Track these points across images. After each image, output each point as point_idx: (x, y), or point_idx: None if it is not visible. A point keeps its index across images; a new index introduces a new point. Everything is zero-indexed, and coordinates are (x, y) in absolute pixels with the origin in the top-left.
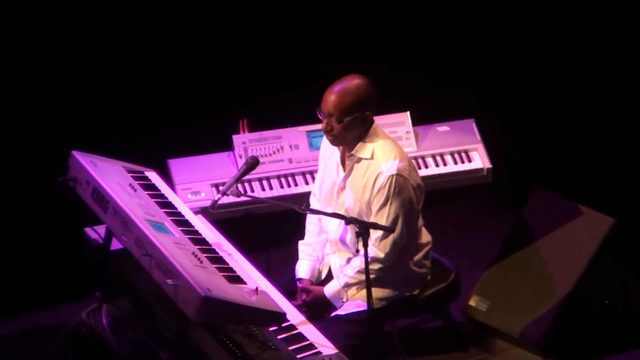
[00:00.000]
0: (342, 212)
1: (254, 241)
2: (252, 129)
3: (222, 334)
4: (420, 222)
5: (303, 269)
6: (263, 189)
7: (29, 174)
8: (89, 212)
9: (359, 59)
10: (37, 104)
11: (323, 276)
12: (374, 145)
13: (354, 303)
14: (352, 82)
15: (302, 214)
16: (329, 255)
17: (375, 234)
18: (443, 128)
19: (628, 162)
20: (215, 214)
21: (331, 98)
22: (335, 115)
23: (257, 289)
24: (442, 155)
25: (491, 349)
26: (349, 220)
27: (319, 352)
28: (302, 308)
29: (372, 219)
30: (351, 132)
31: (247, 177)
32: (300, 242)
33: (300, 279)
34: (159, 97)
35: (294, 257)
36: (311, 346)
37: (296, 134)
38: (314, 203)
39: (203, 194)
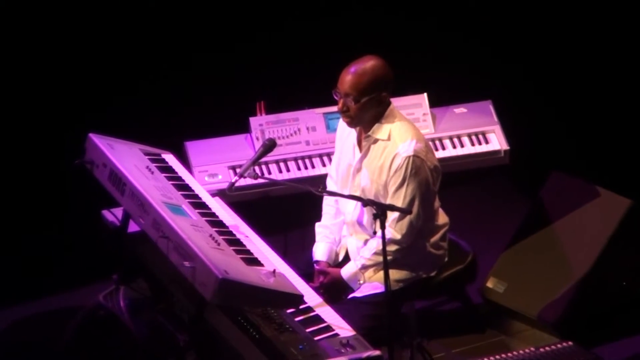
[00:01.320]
0: (358, 194)
1: (271, 223)
2: (269, 111)
3: (239, 316)
4: (437, 203)
5: (320, 251)
6: (280, 171)
7: (47, 156)
8: (106, 194)
9: (376, 41)
10: (55, 87)
11: (340, 258)
12: (390, 127)
13: (371, 285)
14: (369, 63)
15: (319, 196)
16: (346, 237)
17: (392, 216)
18: (460, 110)
19: None
20: (232, 196)
21: (348, 78)
22: (352, 96)
23: (274, 271)
24: (459, 137)
25: (508, 330)
26: (366, 202)
27: (337, 334)
28: (320, 290)
29: (388, 201)
30: (367, 112)
31: (264, 159)
32: (317, 224)
33: (317, 261)
34: (176, 79)
35: (311, 239)
36: (328, 328)
37: (313, 116)
38: (330, 185)
39: (220, 176)
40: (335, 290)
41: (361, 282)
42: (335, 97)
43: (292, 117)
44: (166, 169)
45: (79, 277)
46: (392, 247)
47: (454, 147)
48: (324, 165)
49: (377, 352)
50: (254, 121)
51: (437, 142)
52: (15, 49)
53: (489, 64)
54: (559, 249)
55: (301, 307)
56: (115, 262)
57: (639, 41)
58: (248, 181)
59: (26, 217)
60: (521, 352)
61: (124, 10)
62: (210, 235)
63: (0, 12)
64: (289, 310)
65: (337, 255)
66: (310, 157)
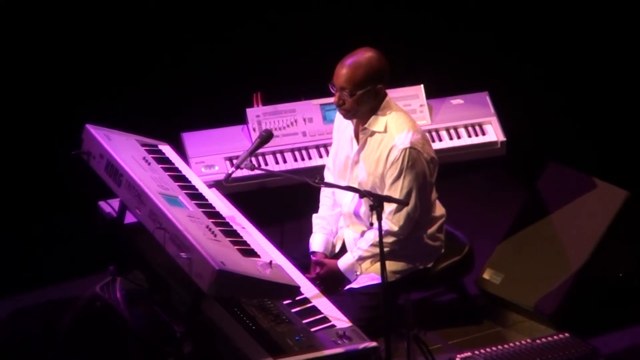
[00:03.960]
0: (355, 186)
1: (268, 214)
2: (266, 102)
3: (236, 307)
4: (434, 195)
5: (317, 242)
6: (277, 162)
7: (44, 147)
8: (102, 185)
9: (372, 32)
10: (52, 78)
11: (337, 249)
12: (387, 119)
13: (368, 276)
14: (364, 55)
15: (316, 187)
16: (342, 228)
17: (389, 207)
18: (457, 101)
19: None
20: (229, 188)
21: (343, 71)
22: (348, 89)
23: (271, 262)
24: (456, 129)
25: (505, 322)
26: (363, 194)
27: (333, 326)
28: (316, 281)
29: (385, 192)
30: (363, 105)
31: (261, 150)
32: (314, 215)
33: (314, 252)
34: (173, 70)
35: (308, 231)
36: (325, 319)
37: (310, 107)
38: (328, 176)
39: (217, 168)
40: (331, 282)
41: (358, 273)
42: (332, 91)
43: (288, 108)
44: (163, 160)
45: (76, 268)
46: (389, 239)
47: (451, 138)
48: (320, 156)
49: (373, 344)
50: (250, 112)
51: (434, 134)
52: (12, 41)
53: (486, 55)
54: (555, 241)
55: (298, 298)
56: (112, 253)
57: (636, 32)
58: (245, 172)
59: (23, 207)
60: (518, 343)
61: (120, 1)
62: (207, 227)
63: None
64: (285, 302)
65: (333, 246)
66: (307, 149)
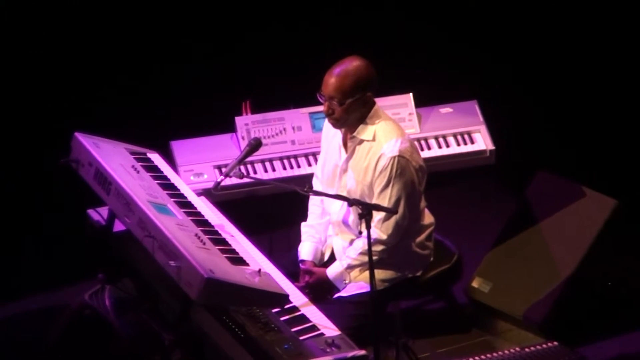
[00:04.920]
0: (344, 194)
1: (257, 223)
2: (255, 110)
3: (225, 315)
4: (423, 203)
5: (306, 251)
6: (266, 171)
7: (32, 155)
8: (91, 193)
9: (361, 40)
10: (41, 85)
11: (326, 258)
12: (375, 127)
13: (357, 285)
14: (352, 64)
15: (304, 196)
16: (331, 236)
17: (377, 216)
18: (446, 109)
19: (631, 144)
20: (217, 196)
21: (331, 81)
22: (336, 98)
23: (259, 270)
24: (444, 137)
25: (493, 330)
26: (351, 202)
27: (322, 334)
28: (305, 290)
29: (374, 201)
30: (352, 114)
31: (249, 158)
32: (302, 223)
33: (302, 261)
34: (162, 78)
35: (297, 239)
36: (314, 328)
37: (298, 116)
38: (316, 185)
39: (205, 176)
40: (320, 290)
41: (347, 281)
42: (320, 100)
43: (277, 116)
44: (152, 168)
45: (65, 276)
46: (377, 247)
47: (440, 147)
48: (309, 164)
49: (362, 352)
50: (239, 120)
51: (423, 142)
52: (1, 48)
53: (475, 64)
54: (544, 249)
55: (287, 306)
56: (100, 261)
57: (626, 42)
58: (234, 180)
59: (11, 216)
60: (506, 352)
61: (110, 9)
62: (196, 235)
63: None
64: (274, 310)
65: (322, 254)
66: (295, 157)
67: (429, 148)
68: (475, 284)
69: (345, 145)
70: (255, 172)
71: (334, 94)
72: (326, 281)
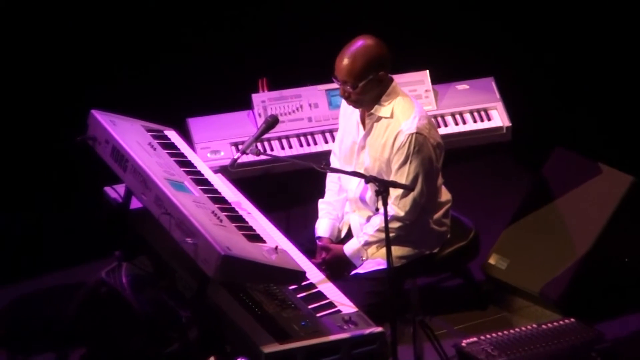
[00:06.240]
0: (361, 171)
1: (274, 200)
2: (271, 87)
3: (242, 292)
4: (440, 180)
5: (323, 227)
6: (282, 148)
7: (49, 133)
8: (108, 171)
9: (378, 17)
10: (57, 63)
11: (343, 234)
12: (393, 104)
13: (374, 261)
14: (361, 45)
15: (321, 173)
16: (348, 213)
17: (395, 193)
18: (462, 86)
19: None
20: (234, 173)
21: (342, 65)
22: (350, 82)
23: (276, 247)
24: (461, 114)
25: (510, 307)
26: (368, 179)
27: (339, 311)
28: (322, 266)
29: (391, 178)
30: (368, 94)
31: (266, 135)
32: (320, 200)
33: (320, 238)
34: (179, 56)
35: (314, 216)
36: (331, 305)
37: (315, 93)
38: (334, 162)
39: (222, 153)
40: (337, 267)
41: (364, 258)
42: (336, 83)
43: (294, 93)
44: (168, 146)
45: (82, 253)
46: (395, 224)
47: (456, 123)
48: (326, 141)
49: (379, 329)
50: (256, 98)
51: (439, 119)
52: (17, 28)
53: (492, 41)
54: (561, 226)
55: (303, 283)
56: (117, 238)
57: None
58: (250, 158)
59: (29, 194)
60: (523, 328)
61: None
62: (213, 212)
63: None
64: (291, 287)
65: (339, 231)
66: (312, 134)
67: (446, 125)
68: (492, 260)
69: (363, 122)
70: (272, 150)
71: (346, 79)
72: (343, 258)
